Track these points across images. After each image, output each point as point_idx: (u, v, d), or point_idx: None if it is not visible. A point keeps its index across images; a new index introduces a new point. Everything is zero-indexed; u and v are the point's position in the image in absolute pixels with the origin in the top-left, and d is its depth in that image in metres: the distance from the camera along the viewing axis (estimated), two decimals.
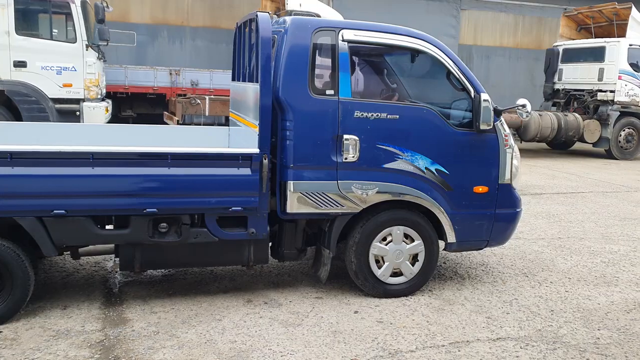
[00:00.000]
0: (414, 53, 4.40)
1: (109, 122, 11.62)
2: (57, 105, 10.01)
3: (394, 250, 4.41)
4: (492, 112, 4.29)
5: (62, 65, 10.00)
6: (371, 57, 4.59)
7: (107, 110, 10.80)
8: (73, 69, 10.05)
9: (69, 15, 10.00)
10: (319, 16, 14.99)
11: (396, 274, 4.49)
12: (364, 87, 4.39)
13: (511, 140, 4.58)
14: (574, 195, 9.23)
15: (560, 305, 4.49)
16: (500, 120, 4.53)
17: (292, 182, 4.11)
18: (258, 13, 4.16)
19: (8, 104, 9.88)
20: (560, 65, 15.62)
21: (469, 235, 4.59)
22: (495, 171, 4.54)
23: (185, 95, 12.24)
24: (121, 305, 4.18)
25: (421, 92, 4.72)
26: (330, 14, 14.62)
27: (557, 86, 15.75)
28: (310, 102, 4.08)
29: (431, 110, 4.35)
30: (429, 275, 4.59)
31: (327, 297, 4.46)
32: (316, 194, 4.14)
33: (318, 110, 4.11)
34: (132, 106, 13.96)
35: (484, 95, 4.28)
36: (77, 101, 10.16)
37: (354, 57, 4.24)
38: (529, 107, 4.58)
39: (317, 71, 4.15)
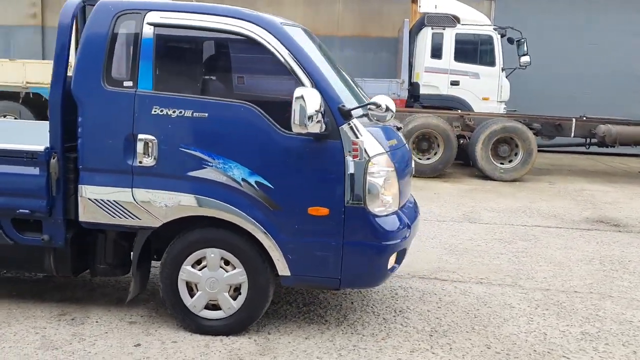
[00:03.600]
0: (235, 37, 3.54)
1: None
2: None
3: (208, 278, 3.62)
4: (309, 113, 3.22)
5: None
6: (183, 44, 3.82)
7: None
8: None
9: None
10: (457, 19, 13.75)
11: (215, 306, 3.69)
12: (171, 79, 3.66)
13: (367, 149, 3.43)
14: None
15: None
16: (350, 124, 3.43)
17: (82, 186, 3.63)
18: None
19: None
20: None
21: (308, 268, 3.56)
22: (339, 189, 3.44)
23: None
24: None
25: (244, 85, 3.81)
26: (474, 16, 13.18)
27: None
28: (103, 96, 3.56)
29: (251, 108, 3.46)
30: (256, 313, 3.66)
31: (143, 323, 3.85)
32: (108, 201, 3.60)
33: (111, 105, 3.57)
34: None
35: (299, 90, 3.25)
36: None
37: (160, 43, 3.58)
38: (388, 106, 3.41)
39: (116, 60, 3.61)
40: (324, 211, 3.47)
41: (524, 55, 12.80)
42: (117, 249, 3.86)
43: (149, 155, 3.52)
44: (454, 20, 12.81)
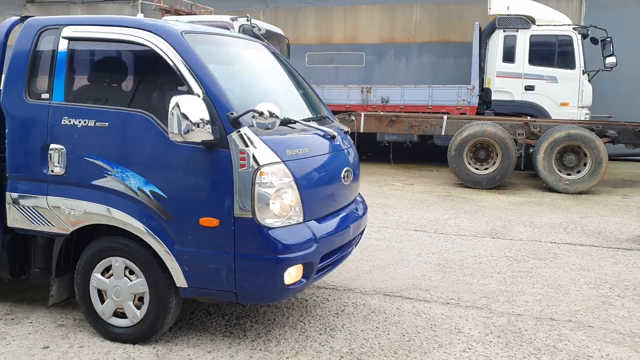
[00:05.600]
0: (136, 48, 3.57)
1: None
2: None
3: (114, 286, 3.66)
4: (193, 120, 3.16)
5: None
6: (92, 56, 3.85)
7: None
8: None
9: None
10: (532, 20, 12.97)
11: (124, 314, 3.71)
12: (80, 90, 3.73)
13: (257, 158, 3.29)
14: None
15: None
16: (239, 131, 3.31)
17: (8, 193, 3.84)
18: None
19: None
20: None
21: (204, 281, 3.47)
22: (229, 200, 3.33)
23: (347, 112, 11.92)
24: None
25: (144, 94, 3.75)
26: (551, 16, 12.30)
27: None
28: (24, 108, 3.75)
29: (146, 116, 3.46)
30: (160, 324, 3.61)
31: (70, 326, 3.96)
32: (28, 208, 3.77)
33: (30, 117, 3.74)
34: None
35: (175, 98, 3.18)
36: None
37: (72, 56, 3.70)
38: (272, 112, 3.24)
39: (38, 74, 3.78)
40: (214, 222, 3.37)
41: (610, 55, 11.71)
42: (47, 254, 4.01)
43: (59, 164, 3.64)
44: (528, 21, 12.03)
